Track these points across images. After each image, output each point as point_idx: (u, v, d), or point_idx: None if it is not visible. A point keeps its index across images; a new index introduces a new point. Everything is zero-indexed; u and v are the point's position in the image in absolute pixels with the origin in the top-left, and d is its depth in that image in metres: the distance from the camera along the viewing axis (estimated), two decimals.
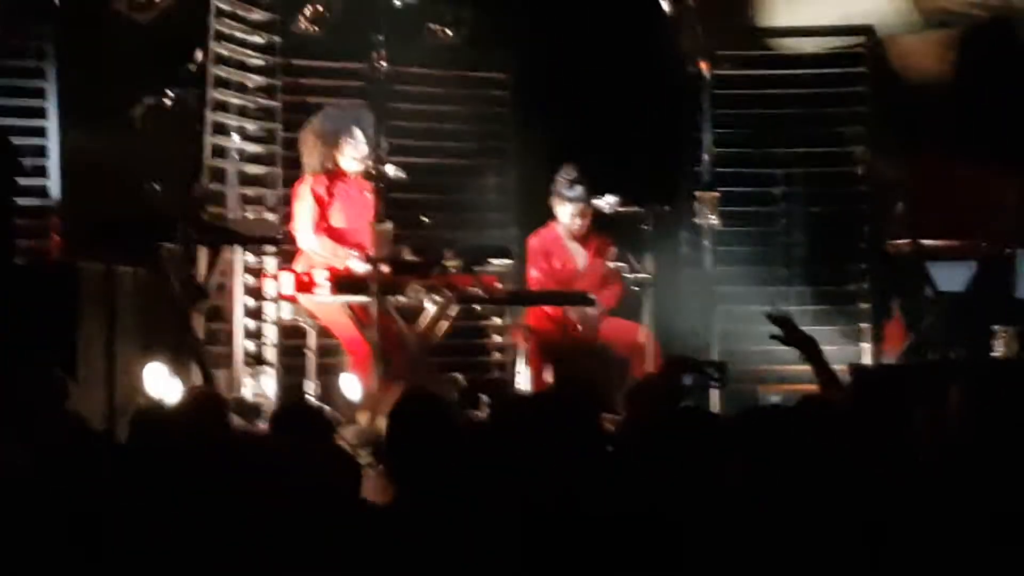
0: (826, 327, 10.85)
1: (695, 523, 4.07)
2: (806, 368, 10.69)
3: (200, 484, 4.19)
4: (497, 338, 11.25)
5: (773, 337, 7.00)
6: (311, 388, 9.55)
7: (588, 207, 10.35)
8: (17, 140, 9.02)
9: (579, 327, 10.35)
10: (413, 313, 9.45)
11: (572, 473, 4.33)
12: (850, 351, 10.79)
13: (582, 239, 10.61)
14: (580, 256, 10.63)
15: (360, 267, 9.18)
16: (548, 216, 10.71)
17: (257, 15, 10.39)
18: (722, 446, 4.50)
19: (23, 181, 9.02)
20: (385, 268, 8.93)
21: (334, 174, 9.83)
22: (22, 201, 8.90)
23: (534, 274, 10.55)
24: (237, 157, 10.19)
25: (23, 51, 9.91)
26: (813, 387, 10.36)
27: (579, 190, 10.42)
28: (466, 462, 4.58)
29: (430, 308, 9.40)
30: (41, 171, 9.75)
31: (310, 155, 9.88)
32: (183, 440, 4.85)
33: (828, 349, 10.69)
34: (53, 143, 9.83)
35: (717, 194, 9.83)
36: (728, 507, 4.16)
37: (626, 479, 4.39)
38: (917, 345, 10.63)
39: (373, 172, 9.26)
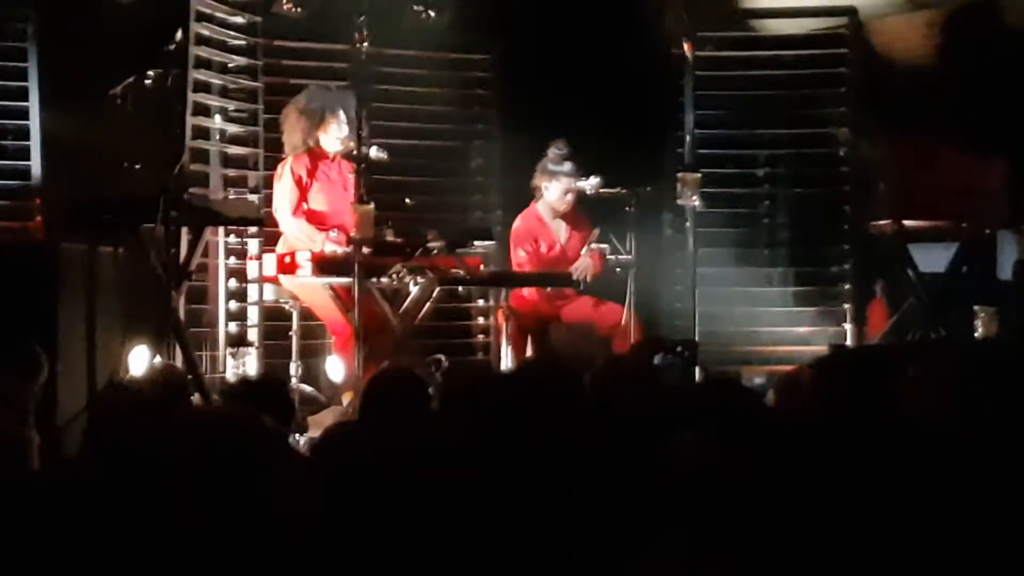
0: (809, 308, 10.90)
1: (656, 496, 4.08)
2: (788, 349, 10.82)
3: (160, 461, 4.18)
4: (480, 320, 11.26)
5: None
6: (294, 369, 9.54)
7: (577, 183, 10.34)
8: None
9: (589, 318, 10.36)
10: (396, 295, 9.45)
11: (545, 450, 4.32)
12: (832, 332, 10.83)
13: (563, 216, 10.61)
14: (562, 233, 10.62)
15: (342, 249, 9.17)
16: (531, 197, 10.70)
17: None
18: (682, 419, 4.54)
19: (4, 162, 9.00)
20: (367, 250, 8.92)
21: (315, 154, 9.82)
22: (3, 182, 8.88)
23: (520, 255, 10.54)
24: (219, 138, 10.17)
25: (4, 32, 9.87)
26: (794, 368, 10.46)
27: (569, 166, 10.41)
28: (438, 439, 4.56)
29: (413, 290, 9.39)
30: (23, 152, 9.73)
31: (292, 132, 9.86)
32: (143, 415, 4.84)
33: (811, 330, 10.84)
34: (34, 124, 9.80)
35: (699, 175, 9.83)
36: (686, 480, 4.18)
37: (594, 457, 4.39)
38: (899, 326, 10.66)
39: (355, 153, 9.24)
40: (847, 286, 10.98)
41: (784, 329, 11.00)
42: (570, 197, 10.46)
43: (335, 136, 9.82)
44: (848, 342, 10.64)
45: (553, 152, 10.46)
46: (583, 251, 10.48)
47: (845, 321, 10.92)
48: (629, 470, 4.31)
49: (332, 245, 9.30)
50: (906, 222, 10.57)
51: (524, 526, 3.99)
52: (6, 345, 6.77)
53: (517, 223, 10.63)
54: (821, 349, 10.09)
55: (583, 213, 10.59)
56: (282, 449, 4.28)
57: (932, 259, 10.82)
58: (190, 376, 8.06)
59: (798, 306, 11.01)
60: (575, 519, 4.05)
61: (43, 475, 4.34)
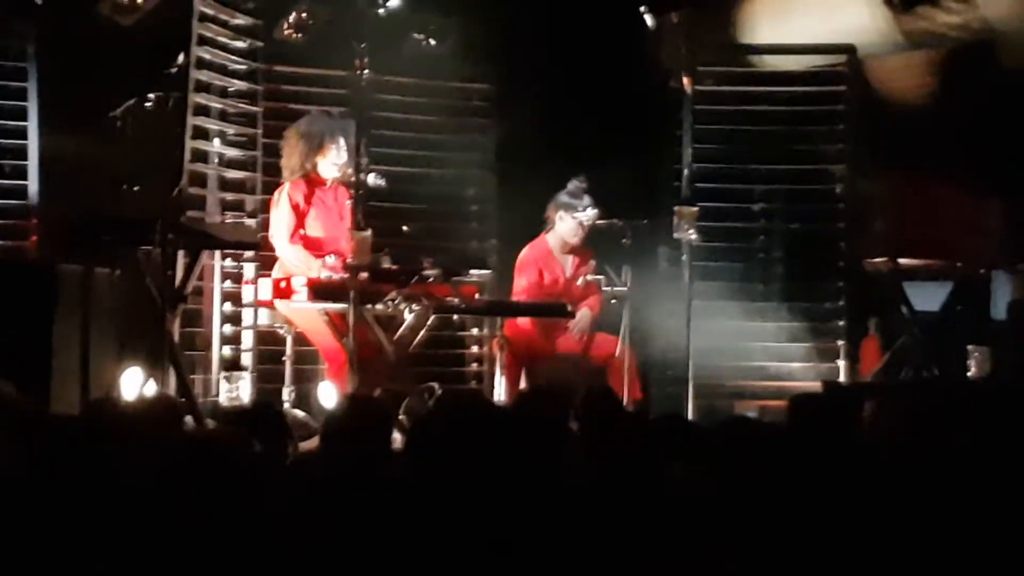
0: (802, 344, 10.90)
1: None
2: (781, 384, 10.82)
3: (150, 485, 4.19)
4: (475, 348, 11.25)
5: None
6: (287, 395, 9.53)
7: (592, 223, 10.35)
8: None
9: (572, 333, 10.34)
10: (391, 322, 9.44)
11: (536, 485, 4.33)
12: (825, 368, 10.83)
13: (570, 250, 10.61)
14: (568, 267, 10.62)
15: (338, 275, 9.16)
16: (529, 227, 10.70)
17: (240, 20, 10.39)
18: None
19: (2, 181, 9.01)
20: (363, 276, 8.92)
21: (312, 180, 9.81)
22: (0, 201, 8.89)
23: (521, 283, 10.53)
24: (217, 162, 10.18)
25: (5, 52, 9.89)
26: (786, 404, 10.45)
27: (588, 201, 10.42)
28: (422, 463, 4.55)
29: (408, 317, 9.39)
30: (21, 172, 9.74)
31: (290, 156, 9.86)
32: (134, 435, 4.84)
33: (804, 366, 10.85)
34: (33, 144, 9.81)
35: (696, 209, 9.83)
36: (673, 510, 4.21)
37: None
38: (892, 363, 10.66)
39: (352, 180, 9.25)
40: (841, 322, 10.99)
41: (777, 364, 11.00)
42: (581, 232, 10.46)
43: (333, 162, 9.82)
44: (841, 379, 10.64)
45: (573, 185, 10.46)
46: (578, 282, 10.48)
47: (839, 358, 10.92)
48: (617, 501, 4.32)
49: (328, 272, 9.29)
50: (901, 260, 10.59)
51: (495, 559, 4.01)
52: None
53: (525, 251, 10.62)
54: (814, 385, 10.11)
55: (588, 247, 10.60)
56: (269, 473, 4.28)
57: (927, 297, 10.83)
58: (183, 399, 8.06)
59: (792, 341, 11.01)
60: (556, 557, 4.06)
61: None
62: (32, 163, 9.80)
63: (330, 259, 9.45)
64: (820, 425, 5.20)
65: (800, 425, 5.30)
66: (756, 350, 11.04)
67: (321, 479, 4.21)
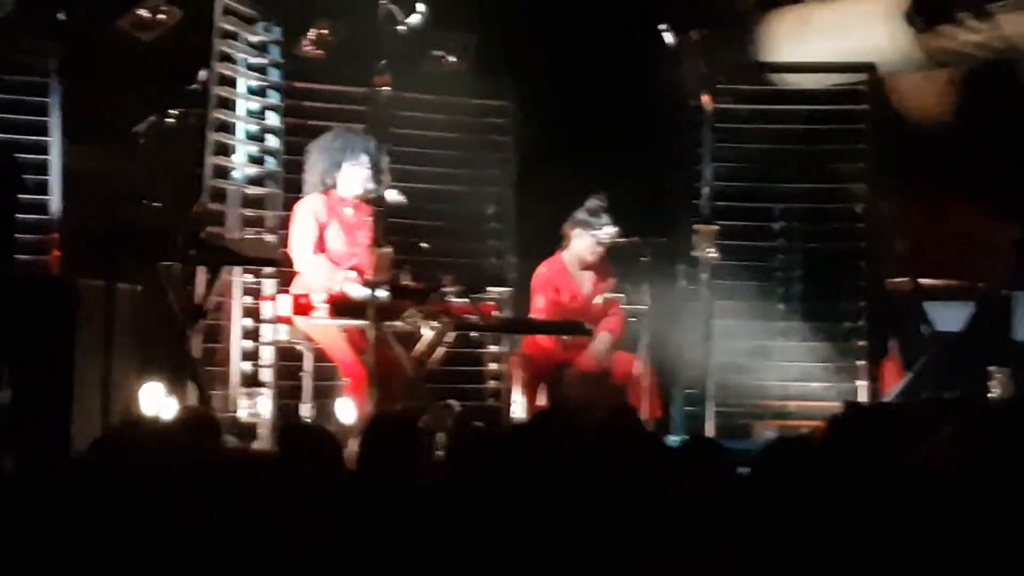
0: (822, 363, 10.88)
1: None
2: (801, 404, 10.81)
3: (188, 501, 4.19)
4: (493, 366, 11.24)
5: None
6: (306, 411, 9.54)
7: (613, 241, 10.36)
8: (20, 156, 9.02)
9: (592, 360, 10.33)
10: (410, 339, 9.44)
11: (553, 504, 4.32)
12: (846, 388, 10.80)
13: (590, 267, 10.61)
14: (586, 285, 10.62)
15: (357, 291, 9.16)
16: (548, 244, 10.71)
17: (261, 37, 10.40)
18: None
19: (25, 197, 9.02)
20: (383, 293, 8.92)
21: (333, 196, 9.82)
22: (23, 217, 8.89)
23: (539, 302, 10.53)
24: (238, 178, 10.19)
25: (28, 67, 9.91)
26: (806, 422, 10.45)
27: (607, 220, 10.42)
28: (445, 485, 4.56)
29: (427, 334, 9.39)
30: (43, 187, 9.76)
31: (311, 172, 9.87)
32: (171, 456, 4.84)
33: (824, 386, 10.82)
34: (55, 159, 9.83)
35: (716, 227, 9.83)
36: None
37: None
38: (912, 384, 10.63)
39: (372, 197, 9.25)
40: (861, 342, 10.96)
41: (797, 384, 10.99)
42: (599, 249, 10.45)
43: (353, 178, 9.83)
44: (861, 399, 10.61)
45: (592, 203, 10.47)
46: (597, 300, 10.48)
47: (859, 378, 10.89)
48: (634, 518, 4.31)
49: (352, 284, 9.28)
50: (922, 280, 10.57)
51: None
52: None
53: (540, 270, 10.63)
54: (834, 405, 10.08)
55: (608, 264, 10.60)
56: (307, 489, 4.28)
57: (948, 318, 10.79)
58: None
59: (811, 361, 10.99)
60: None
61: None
62: (54, 178, 9.82)
63: (351, 274, 9.45)
64: (864, 446, 5.16)
65: (841, 445, 5.26)
66: (775, 369, 11.03)
67: (359, 496, 4.21)
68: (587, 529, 4.24)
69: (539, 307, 10.52)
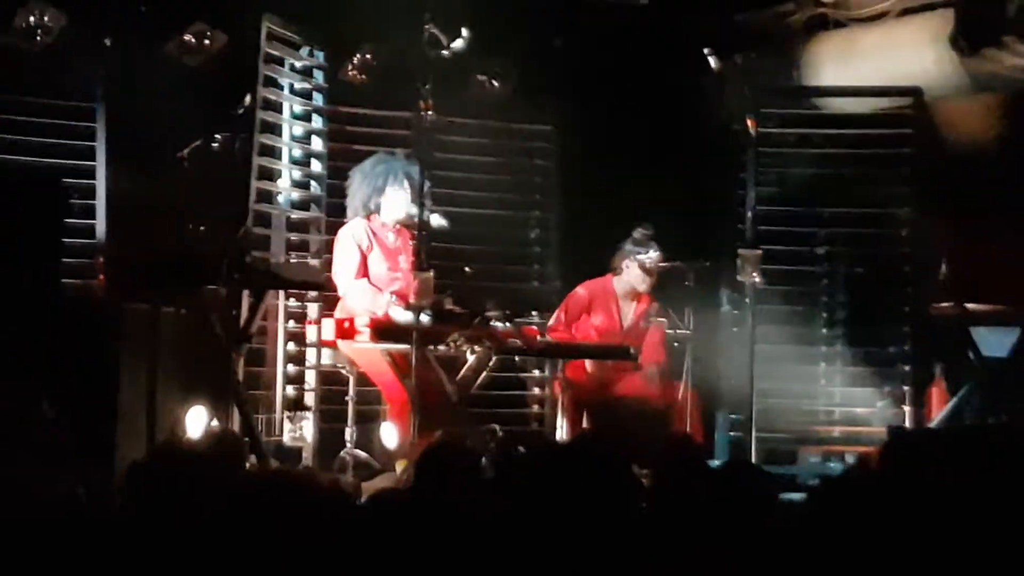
0: (867, 389, 10.82)
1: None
2: (845, 429, 10.76)
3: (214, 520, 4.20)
4: (536, 390, 11.23)
5: None
6: (349, 435, 9.55)
7: (657, 266, 10.36)
8: (66, 181, 9.08)
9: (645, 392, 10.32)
10: (453, 363, 9.45)
11: (603, 527, 4.30)
12: (891, 414, 10.74)
13: (636, 298, 10.60)
14: (628, 314, 10.60)
15: (401, 315, 9.17)
16: (591, 268, 10.70)
17: (306, 61, 10.44)
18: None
19: (71, 221, 9.07)
20: (426, 317, 8.92)
21: (375, 220, 9.85)
22: (68, 240, 8.94)
23: (560, 319, 10.51)
24: (282, 202, 10.22)
25: (73, 93, 9.98)
26: (851, 448, 10.42)
27: (654, 248, 10.41)
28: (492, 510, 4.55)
29: (470, 358, 9.39)
30: (88, 212, 9.82)
31: (354, 196, 9.92)
32: (199, 477, 4.85)
33: (868, 411, 10.77)
34: (101, 184, 9.90)
35: (760, 252, 9.79)
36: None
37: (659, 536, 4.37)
38: (957, 410, 10.56)
39: (415, 221, 9.27)
40: (906, 367, 10.89)
41: (841, 409, 10.94)
42: (649, 280, 10.45)
43: (396, 203, 9.85)
44: (906, 424, 10.55)
45: (639, 233, 10.46)
46: (641, 324, 10.49)
47: (904, 403, 10.83)
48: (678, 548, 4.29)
49: (396, 308, 9.28)
50: (968, 304, 10.49)
51: None
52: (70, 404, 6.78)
53: (579, 291, 10.63)
54: (879, 431, 10.04)
55: (648, 293, 10.59)
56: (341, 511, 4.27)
57: (994, 343, 10.71)
58: (247, 438, 8.08)
59: (856, 386, 10.93)
60: None
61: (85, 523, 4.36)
62: (99, 203, 9.89)
63: (393, 298, 9.46)
64: (920, 472, 5.11)
65: (897, 472, 5.22)
66: (820, 394, 10.99)
67: (411, 519, 4.19)
68: (637, 553, 4.23)
69: (559, 320, 10.49)
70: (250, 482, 4.52)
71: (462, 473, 5.48)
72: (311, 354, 9.96)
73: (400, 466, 9.07)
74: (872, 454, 6.00)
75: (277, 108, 10.16)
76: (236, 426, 8.52)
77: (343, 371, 9.72)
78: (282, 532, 4.00)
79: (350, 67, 10.70)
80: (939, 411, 10.53)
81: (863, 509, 4.28)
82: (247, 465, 7.28)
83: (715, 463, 8.60)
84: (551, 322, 10.54)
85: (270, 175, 10.05)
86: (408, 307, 9.01)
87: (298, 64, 10.39)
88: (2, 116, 9.72)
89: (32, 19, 9.61)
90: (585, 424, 10.28)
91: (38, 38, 9.63)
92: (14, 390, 6.72)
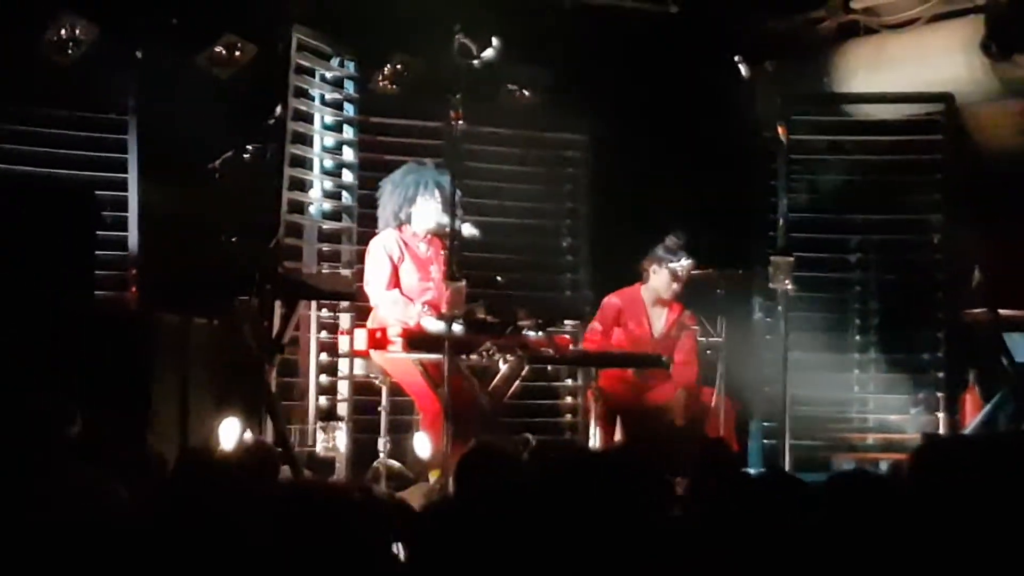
0: (900, 395, 10.79)
1: None
2: (879, 436, 10.72)
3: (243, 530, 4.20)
4: (568, 399, 11.22)
5: None
6: (382, 445, 9.55)
7: (688, 274, 10.35)
8: (98, 193, 9.12)
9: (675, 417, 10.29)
10: (485, 372, 9.44)
11: (638, 535, 4.30)
12: (924, 420, 10.71)
13: (665, 305, 10.58)
14: (659, 321, 10.58)
15: (433, 325, 9.17)
16: (623, 277, 10.69)
17: (336, 72, 10.46)
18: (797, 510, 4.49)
19: (103, 233, 9.10)
20: (458, 327, 8.92)
21: (406, 230, 9.85)
22: (101, 252, 8.97)
23: (595, 327, 10.49)
24: (314, 213, 10.24)
25: (105, 105, 10.02)
26: (885, 455, 10.38)
27: (684, 256, 10.40)
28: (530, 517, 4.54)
29: (502, 368, 9.39)
30: (120, 223, 9.85)
31: (385, 207, 9.92)
32: (231, 486, 4.86)
33: (902, 418, 10.73)
34: (132, 195, 9.94)
35: (792, 259, 9.76)
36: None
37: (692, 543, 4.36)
38: (992, 416, 10.51)
39: (446, 230, 9.27)
40: (940, 374, 10.85)
41: (875, 416, 10.91)
42: (676, 287, 10.43)
43: (427, 213, 9.85)
44: (940, 431, 10.51)
45: (670, 241, 10.44)
46: (673, 332, 10.47)
47: (937, 409, 10.78)
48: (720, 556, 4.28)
49: (428, 318, 9.29)
50: (1001, 310, 10.44)
51: None
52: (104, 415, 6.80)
53: (611, 300, 10.60)
54: (912, 437, 10.01)
55: (680, 299, 10.57)
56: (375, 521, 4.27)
57: None
58: (280, 449, 8.08)
59: (889, 393, 10.90)
60: None
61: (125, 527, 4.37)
62: (132, 215, 9.93)
63: (426, 308, 9.47)
64: (949, 480, 5.09)
65: (925, 479, 5.20)
66: (853, 401, 10.96)
67: (455, 525, 4.19)
68: (671, 560, 4.22)
69: (594, 331, 10.48)
70: (285, 492, 4.53)
71: (502, 478, 5.46)
72: (344, 364, 9.98)
73: (433, 476, 9.07)
74: (905, 461, 5.96)
75: (308, 119, 10.19)
76: (269, 437, 8.53)
77: (376, 381, 9.71)
78: (317, 543, 4.00)
79: (380, 77, 10.72)
80: (973, 418, 10.49)
81: (894, 515, 4.27)
82: (281, 476, 7.28)
83: (750, 471, 8.59)
84: (587, 332, 10.53)
85: (301, 186, 10.08)
86: (440, 317, 9.01)
87: (328, 75, 10.42)
88: (35, 129, 9.76)
89: (64, 32, 9.65)
90: (618, 433, 10.26)
91: (70, 51, 9.67)
92: (48, 402, 6.74)
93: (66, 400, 6.74)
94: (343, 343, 9.94)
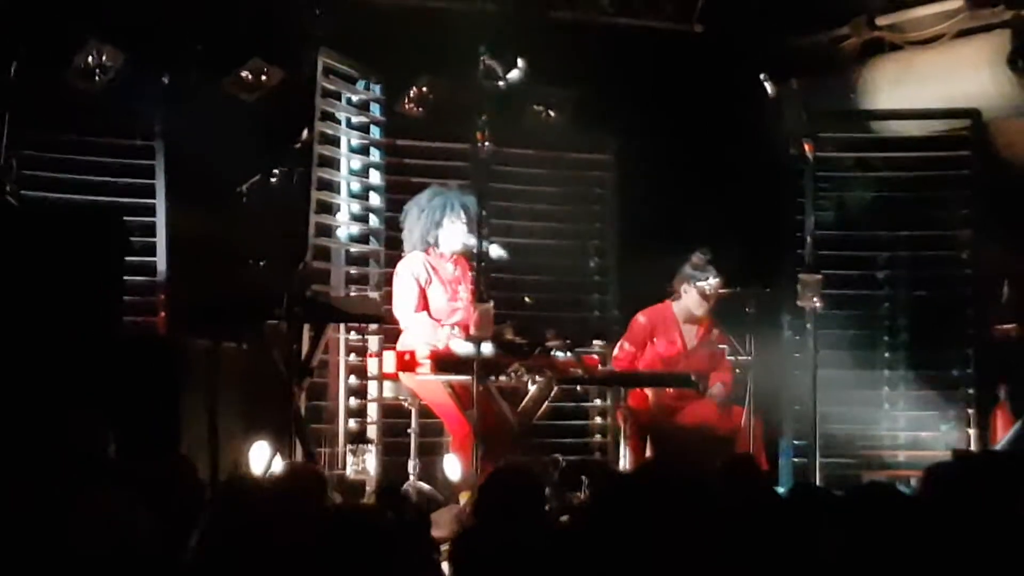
0: (930, 412, 10.75)
1: None
2: (909, 453, 10.68)
3: (295, 557, 4.20)
4: (598, 419, 11.21)
5: None
6: (412, 467, 9.54)
7: (716, 292, 10.35)
8: (126, 218, 9.14)
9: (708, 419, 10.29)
10: (514, 393, 9.44)
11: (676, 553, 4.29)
12: (955, 437, 10.67)
13: (696, 322, 10.58)
14: (691, 338, 10.58)
15: (462, 347, 9.17)
16: (651, 296, 10.68)
17: (362, 95, 10.48)
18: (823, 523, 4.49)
19: (132, 259, 9.12)
20: (487, 348, 8.92)
21: (433, 252, 9.86)
22: (129, 278, 8.99)
23: (625, 348, 10.48)
24: (341, 236, 10.25)
25: (132, 131, 10.06)
26: (916, 472, 10.32)
27: (712, 273, 10.39)
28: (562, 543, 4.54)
29: (531, 388, 9.39)
30: (149, 249, 9.88)
31: (411, 229, 9.93)
32: (277, 512, 4.85)
33: (933, 435, 10.69)
34: (161, 221, 9.97)
35: (820, 277, 9.74)
36: None
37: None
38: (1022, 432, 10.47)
39: (473, 252, 9.28)
40: (970, 390, 10.82)
41: (905, 433, 10.87)
42: (706, 304, 10.43)
43: (453, 234, 9.86)
44: (971, 447, 10.47)
45: (697, 258, 10.44)
46: (704, 346, 10.47)
47: (968, 426, 10.75)
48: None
49: (457, 340, 9.28)
50: None
51: None
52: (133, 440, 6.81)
53: (639, 318, 10.60)
54: (943, 454, 9.95)
55: (710, 318, 10.57)
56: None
57: None
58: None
59: (920, 410, 10.86)
60: None
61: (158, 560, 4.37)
62: (160, 240, 9.96)
63: (455, 330, 9.47)
64: (962, 496, 5.08)
65: (940, 495, 5.19)
66: (882, 419, 10.92)
67: (479, 550, 4.20)
68: None
69: (618, 355, 10.47)
70: (332, 517, 4.53)
71: (524, 502, 5.45)
72: (373, 387, 9.98)
73: (464, 498, 9.06)
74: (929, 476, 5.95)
75: (334, 142, 10.21)
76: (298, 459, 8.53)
77: (405, 404, 9.72)
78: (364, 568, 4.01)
79: (406, 100, 10.73)
80: (1004, 434, 10.45)
81: (919, 529, 4.26)
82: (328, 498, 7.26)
83: (780, 489, 8.57)
84: (615, 352, 10.52)
85: (329, 209, 10.09)
86: (468, 338, 9.01)
87: (355, 98, 10.44)
88: (64, 156, 9.80)
89: (91, 59, 9.70)
90: (648, 452, 10.25)
91: (97, 78, 9.72)
92: (79, 428, 6.76)
93: (101, 422, 6.78)
94: (372, 366, 9.94)
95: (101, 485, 5.44)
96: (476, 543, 4.75)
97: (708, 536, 4.63)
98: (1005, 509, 5.01)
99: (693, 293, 10.47)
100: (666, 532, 4.36)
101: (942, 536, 4.50)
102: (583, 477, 9.24)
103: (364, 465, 9.76)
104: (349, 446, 9.85)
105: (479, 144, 9.19)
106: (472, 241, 9.41)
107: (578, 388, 10.34)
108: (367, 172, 10.49)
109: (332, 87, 10.14)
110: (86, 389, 7.48)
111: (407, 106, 10.74)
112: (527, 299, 10.31)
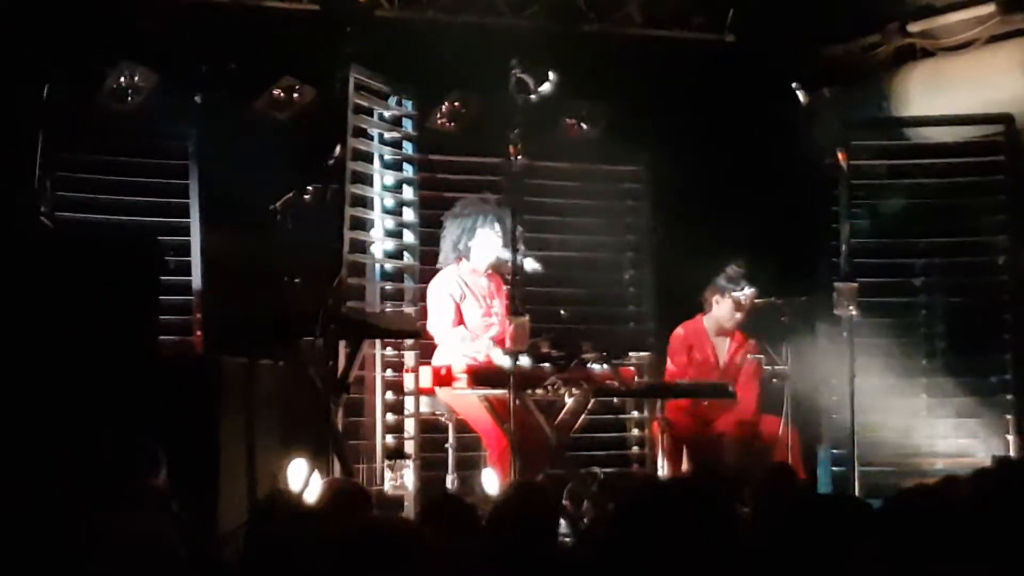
0: (969, 419, 10.70)
1: None
2: (949, 461, 10.63)
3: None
4: (635, 431, 11.19)
5: None
6: (450, 482, 9.54)
7: (751, 302, 10.34)
8: (161, 239, 9.17)
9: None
10: (551, 406, 9.43)
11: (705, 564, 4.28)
12: (995, 444, 10.61)
13: (727, 333, 10.56)
14: (723, 351, 10.57)
15: (502, 358, 9.16)
16: (686, 308, 10.67)
17: (394, 111, 10.50)
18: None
19: (166, 278, 9.15)
20: (523, 361, 8.92)
21: (466, 266, 9.86)
22: (165, 297, 9.02)
23: (672, 366, 10.51)
24: (376, 252, 10.26)
25: (166, 151, 10.10)
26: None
27: (745, 285, 10.38)
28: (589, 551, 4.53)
29: (568, 401, 9.38)
30: (184, 268, 9.91)
31: (445, 239, 9.95)
32: (322, 529, 4.86)
33: (971, 442, 10.64)
34: (195, 240, 10.00)
35: (856, 285, 9.71)
36: None
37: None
38: None
39: (507, 265, 9.28)
40: (1009, 396, 10.77)
41: (944, 440, 10.81)
42: (739, 316, 10.42)
43: (486, 248, 9.87)
44: (1011, 454, 10.41)
45: (732, 270, 10.44)
46: (737, 361, 10.45)
47: (1008, 432, 10.69)
48: None
49: (496, 351, 9.28)
50: None
51: None
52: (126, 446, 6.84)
53: (677, 332, 10.60)
54: (983, 461, 9.90)
55: (745, 329, 10.55)
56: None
57: None
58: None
59: (958, 417, 10.81)
60: None
61: None
62: (195, 259, 9.99)
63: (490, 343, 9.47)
64: (1011, 501, 5.06)
65: (986, 501, 5.17)
66: (921, 427, 10.87)
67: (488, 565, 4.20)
68: None
69: (671, 371, 10.49)
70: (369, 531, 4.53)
71: (536, 518, 5.44)
72: (409, 402, 9.98)
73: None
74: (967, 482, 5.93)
75: (367, 158, 10.22)
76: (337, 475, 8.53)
77: (442, 418, 9.72)
78: None
79: (438, 115, 10.76)
80: None
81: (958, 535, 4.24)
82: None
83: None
84: (669, 366, 10.52)
85: (363, 225, 10.10)
86: (504, 352, 9.01)
87: (387, 114, 10.45)
88: (98, 177, 9.84)
89: (123, 80, 9.75)
90: (685, 464, 10.23)
91: (129, 98, 9.77)
92: (117, 448, 6.79)
93: (153, 447, 6.81)
94: (408, 381, 9.94)
95: (135, 508, 5.47)
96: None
97: (737, 544, 4.63)
98: None
99: (726, 304, 10.46)
100: (706, 542, 4.36)
101: (990, 542, 4.48)
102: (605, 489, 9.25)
103: (402, 480, 9.76)
104: (387, 462, 9.85)
105: (512, 158, 9.18)
106: (506, 255, 9.40)
107: (615, 400, 10.31)
108: (400, 187, 10.50)
109: (364, 103, 10.15)
110: (123, 409, 7.50)
111: (439, 121, 10.76)
112: (562, 312, 10.29)
